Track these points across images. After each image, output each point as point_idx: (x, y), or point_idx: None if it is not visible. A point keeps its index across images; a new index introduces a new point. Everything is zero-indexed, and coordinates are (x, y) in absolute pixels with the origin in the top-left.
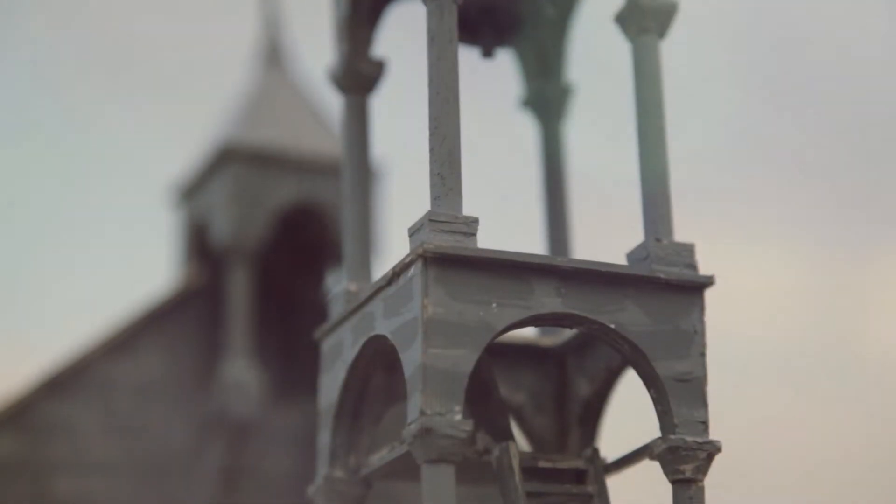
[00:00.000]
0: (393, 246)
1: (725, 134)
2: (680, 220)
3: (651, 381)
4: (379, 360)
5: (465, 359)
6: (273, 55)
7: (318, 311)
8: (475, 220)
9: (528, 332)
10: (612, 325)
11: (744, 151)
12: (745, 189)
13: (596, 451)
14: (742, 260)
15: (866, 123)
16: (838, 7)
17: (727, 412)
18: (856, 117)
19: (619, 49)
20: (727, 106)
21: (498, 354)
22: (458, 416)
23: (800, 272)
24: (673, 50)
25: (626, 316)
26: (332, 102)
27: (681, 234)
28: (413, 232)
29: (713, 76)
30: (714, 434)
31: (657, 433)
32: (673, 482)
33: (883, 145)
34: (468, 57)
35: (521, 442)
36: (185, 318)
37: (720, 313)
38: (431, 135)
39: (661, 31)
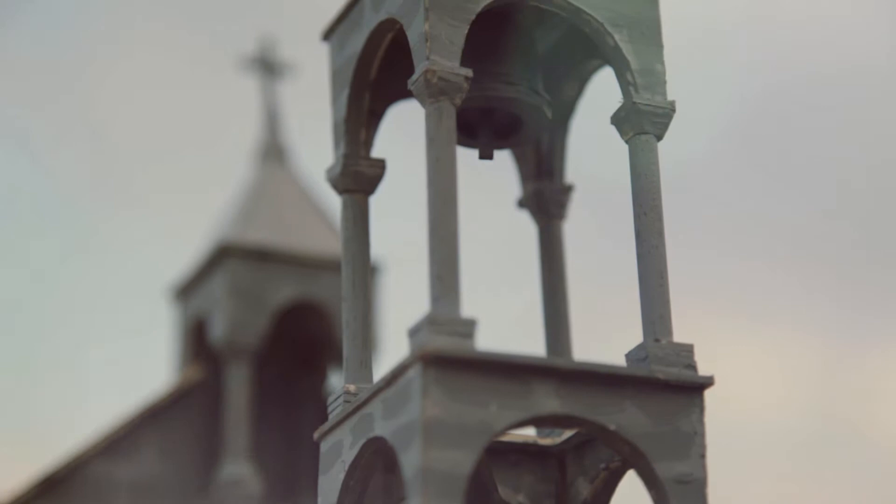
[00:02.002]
0: (392, 342)
1: (724, 217)
2: (679, 309)
3: (651, 483)
4: (378, 461)
5: (464, 460)
6: (273, 152)
7: (319, 410)
8: (474, 322)
9: (528, 430)
10: (613, 427)
11: (744, 237)
12: (747, 276)
13: None
14: (744, 347)
15: (872, 205)
16: (840, 79)
17: None
18: (859, 197)
19: (618, 149)
20: (726, 188)
21: (496, 454)
22: None
23: (803, 360)
24: (670, 134)
25: (626, 417)
26: (333, 199)
27: (680, 327)
28: (412, 333)
29: (710, 157)
30: None
31: None
32: None
33: (890, 226)
34: (467, 155)
35: None
36: (184, 416)
37: (723, 406)
38: (430, 236)
39: (659, 132)
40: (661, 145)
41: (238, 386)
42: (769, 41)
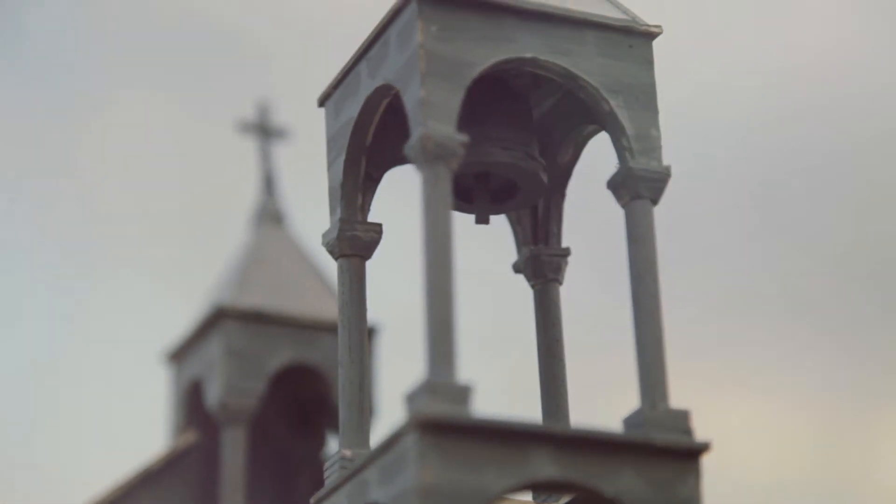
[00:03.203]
0: (389, 403)
1: (722, 278)
2: (676, 371)
3: None
4: None
5: None
6: (270, 215)
7: (316, 475)
8: (470, 387)
9: (525, 495)
10: (610, 493)
11: (741, 299)
12: (744, 337)
13: None
14: (743, 410)
15: (873, 263)
16: (834, 136)
17: None
18: (860, 256)
19: (614, 213)
20: (723, 248)
21: None
22: None
23: (802, 422)
24: (668, 197)
25: (624, 483)
26: (331, 261)
27: (678, 389)
28: (408, 399)
29: (708, 219)
30: None
31: None
32: None
33: (890, 285)
34: (463, 219)
35: None
36: (179, 480)
37: (722, 470)
38: (426, 302)
39: (655, 197)
40: (658, 208)
41: (234, 450)
42: (771, 101)
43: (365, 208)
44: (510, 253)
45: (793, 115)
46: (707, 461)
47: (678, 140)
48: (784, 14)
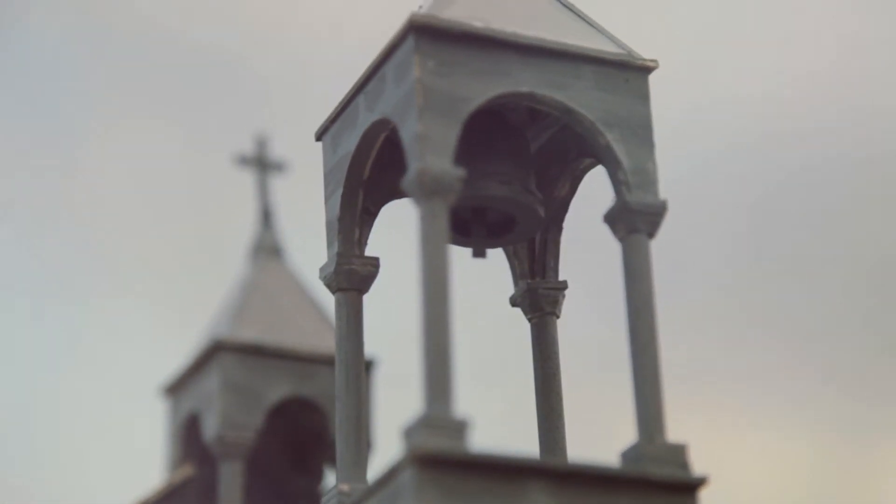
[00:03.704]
0: (386, 438)
1: (719, 310)
2: (674, 404)
3: None
4: None
5: None
6: (268, 248)
7: None
8: (467, 422)
9: None
10: None
11: (739, 330)
12: (742, 371)
13: None
14: (741, 443)
15: (874, 296)
16: (833, 159)
17: None
18: (861, 289)
19: (612, 247)
20: (721, 281)
21: None
22: None
23: (801, 456)
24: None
25: None
26: (328, 294)
27: (675, 423)
28: (406, 434)
29: (706, 251)
30: None
31: None
32: None
33: (889, 316)
34: (460, 253)
35: None
36: None
37: (721, 502)
38: (423, 336)
39: (651, 230)
40: (655, 241)
41: (231, 484)
42: (768, 130)
43: (362, 242)
44: (507, 286)
45: (787, 141)
46: (704, 495)
47: (673, 170)
48: (775, 39)
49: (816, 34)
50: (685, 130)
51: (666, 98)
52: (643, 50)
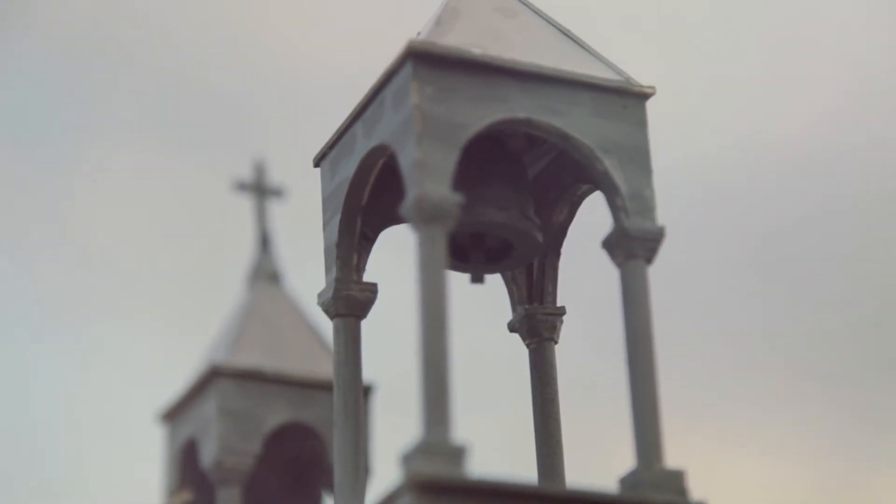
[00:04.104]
0: (384, 464)
1: (718, 335)
2: (672, 429)
3: None
4: None
5: None
6: (266, 273)
7: None
8: (466, 448)
9: None
10: None
11: (738, 356)
12: (741, 396)
13: None
14: (740, 469)
15: (874, 324)
16: (834, 194)
17: None
18: (859, 312)
19: (610, 272)
20: (719, 306)
21: None
22: None
23: (800, 482)
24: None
25: None
26: (326, 319)
27: (674, 448)
28: (404, 460)
29: (702, 277)
30: None
31: None
32: None
33: (891, 344)
34: (458, 279)
35: None
36: None
37: None
38: (421, 361)
39: (649, 256)
40: (653, 267)
41: None
42: (770, 160)
43: (360, 268)
44: (505, 312)
45: (791, 173)
46: None
47: (674, 199)
48: (782, 74)
49: (827, 65)
50: (687, 157)
51: (671, 124)
52: (650, 78)
